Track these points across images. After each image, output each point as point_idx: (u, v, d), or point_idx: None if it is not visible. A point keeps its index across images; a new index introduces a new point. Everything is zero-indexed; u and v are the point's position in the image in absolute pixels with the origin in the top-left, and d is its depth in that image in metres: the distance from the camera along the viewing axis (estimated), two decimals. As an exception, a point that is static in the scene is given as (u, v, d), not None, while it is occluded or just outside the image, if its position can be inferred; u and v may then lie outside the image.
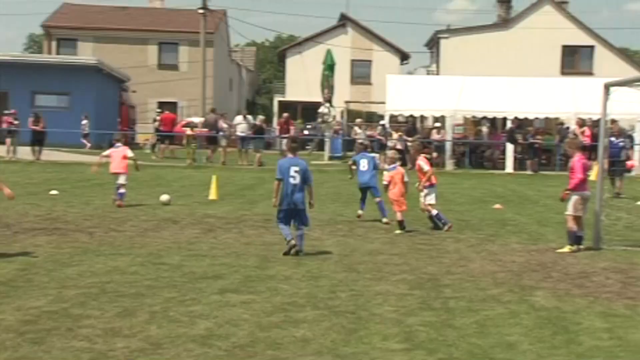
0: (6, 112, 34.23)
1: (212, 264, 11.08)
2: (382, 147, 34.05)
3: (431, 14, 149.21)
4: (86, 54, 52.68)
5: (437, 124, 35.26)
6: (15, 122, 32.80)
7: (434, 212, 15.58)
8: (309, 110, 54.74)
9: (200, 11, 49.99)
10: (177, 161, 33.43)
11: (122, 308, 8.38)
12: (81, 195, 19.43)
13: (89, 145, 35.13)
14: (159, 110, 42.99)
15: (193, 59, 54.47)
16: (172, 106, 51.59)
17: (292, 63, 64.04)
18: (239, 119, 34.78)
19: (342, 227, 15.39)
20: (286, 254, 11.88)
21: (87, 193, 20.12)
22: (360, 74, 62.91)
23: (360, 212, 16.63)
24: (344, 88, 54.43)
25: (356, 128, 36.88)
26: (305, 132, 47.99)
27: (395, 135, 34.74)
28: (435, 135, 34.25)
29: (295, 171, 11.90)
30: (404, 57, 65.02)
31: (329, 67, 37.50)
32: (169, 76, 56.12)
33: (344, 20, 64.57)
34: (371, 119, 49.17)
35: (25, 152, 31.64)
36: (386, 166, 15.76)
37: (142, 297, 8.93)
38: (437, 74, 54.54)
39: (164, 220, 15.55)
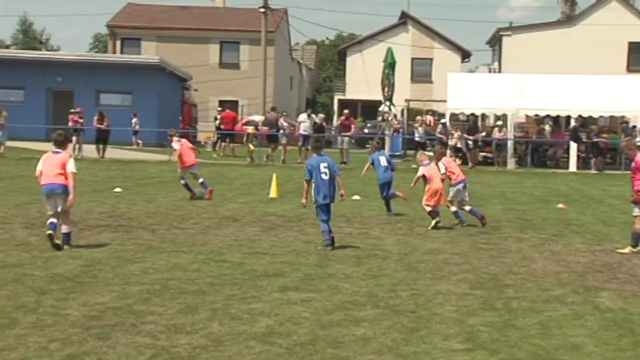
0: (72, 110, 34.87)
1: (273, 262, 11.13)
2: (442, 146, 33.84)
3: (493, 12, 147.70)
4: (149, 53, 53.40)
5: (499, 123, 34.89)
6: (81, 120, 33.40)
7: (453, 208, 15.71)
8: (369, 109, 54.66)
9: (262, 10, 50.31)
10: (237, 159, 33.68)
11: (184, 305, 8.47)
12: (144, 193, 19.70)
13: (140, 143, 35.67)
14: (220, 108, 43.36)
15: (254, 58, 54.85)
16: (233, 105, 52.02)
17: (353, 61, 63.99)
18: (303, 117, 34.87)
19: (402, 226, 15.33)
20: (329, 246, 12.25)
21: (149, 191, 20.39)
22: (421, 72, 62.59)
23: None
24: (404, 86, 54.17)
25: (419, 128, 36.68)
26: (365, 130, 47.91)
27: (455, 134, 34.47)
28: (496, 134, 33.89)
29: (325, 167, 12.32)
30: (465, 55, 64.50)
31: (390, 65, 37.36)
32: (230, 75, 56.56)
33: (405, 19, 64.29)
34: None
35: (90, 150, 32.20)
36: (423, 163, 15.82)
37: (204, 294, 9.01)
38: (499, 71, 53.96)
39: (225, 218, 15.68)
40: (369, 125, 50.15)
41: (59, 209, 11.56)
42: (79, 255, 11.10)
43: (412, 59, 61.66)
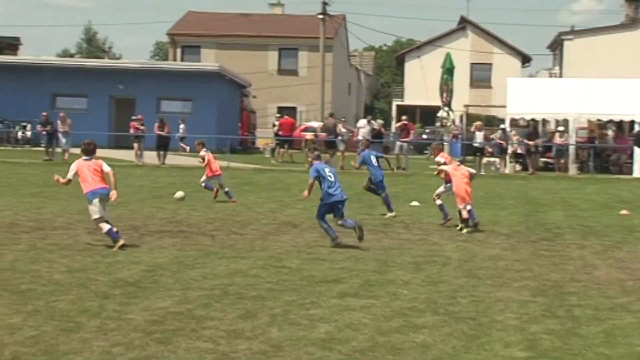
0: (133, 117, 35.38)
1: (332, 268, 11.13)
2: (502, 152, 33.49)
3: (554, 15, 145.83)
4: (209, 60, 53.96)
5: (560, 128, 34.39)
6: (142, 127, 33.86)
7: (439, 202, 16.16)
8: (427, 114, 54.42)
9: (320, 17, 50.44)
10: (295, 165, 33.79)
11: (244, 310, 8.52)
12: (203, 199, 19.87)
13: (187, 149, 35.86)
14: (278, 115, 43.59)
15: (312, 64, 55.05)
16: (291, 111, 52.23)
17: (411, 67, 63.80)
18: (362, 122, 34.84)
19: (461, 232, 15.20)
20: (337, 238, 12.94)
21: (209, 197, 20.57)
22: (480, 77, 62.12)
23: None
24: (463, 92, 53.80)
25: (477, 132, 36.37)
26: (424, 136, 47.68)
27: (515, 139, 34.10)
28: (557, 139, 33.42)
29: (329, 171, 13.16)
30: (525, 59, 63.82)
31: (448, 70, 37.14)
32: (289, 81, 56.84)
33: (464, 24, 63.89)
34: (491, 122, 48.43)
35: (150, 157, 32.63)
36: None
37: (263, 299, 9.06)
38: (560, 76, 53.23)
39: (283, 224, 15.74)
40: (427, 130, 49.91)
41: (105, 212, 12.30)
42: (140, 261, 11.25)
43: (472, 64, 61.25)
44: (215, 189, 19.85)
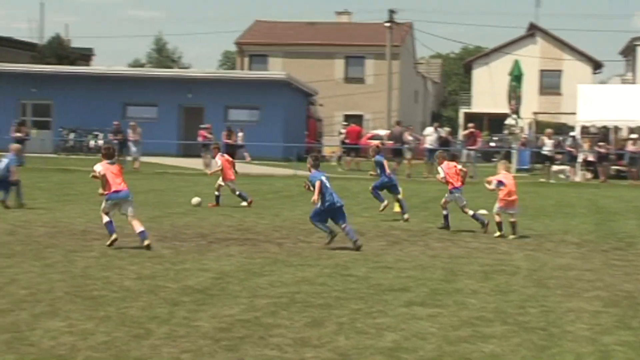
0: (202, 126, 35.83)
1: (398, 276, 11.08)
2: (572, 159, 32.96)
3: (628, 21, 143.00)
4: (276, 69, 54.38)
5: (633, 135, 33.70)
6: (210, 136, 34.26)
7: (445, 212, 16.37)
8: (495, 122, 53.88)
9: (387, 24, 50.40)
10: (362, 173, 33.76)
11: (311, 318, 8.53)
12: (271, 207, 20.00)
13: (247, 156, 36.20)
14: (345, 123, 43.66)
15: (379, 72, 55.04)
16: (357, 119, 52.31)
17: (479, 74, 63.31)
18: (429, 130, 34.68)
19: (530, 241, 15.00)
20: (331, 232, 13.54)
21: (276, 205, 20.70)
22: (550, 84, 61.31)
23: (385, 203, 18.12)
24: (532, 99, 53.20)
25: (544, 138, 35.86)
26: (492, 144, 47.21)
27: (585, 146, 33.52)
28: (630, 147, 32.74)
29: (326, 178, 13.70)
30: (596, 66, 62.76)
31: (516, 77, 36.74)
32: (355, 89, 56.92)
33: (533, 30, 63.17)
34: (560, 130, 47.71)
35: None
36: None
37: (330, 307, 9.05)
38: (634, 82, 52.16)
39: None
40: (495, 138, 49.40)
41: (131, 212, 13.08)
42: (208, 268, 11.36)
43: (541, 70, 60.50)
44: (250, 200, 19.98)
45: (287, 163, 38.05)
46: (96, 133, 43.58)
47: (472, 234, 15.67)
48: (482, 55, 66.79)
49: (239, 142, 39.23)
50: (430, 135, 33.94)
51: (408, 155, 33.88)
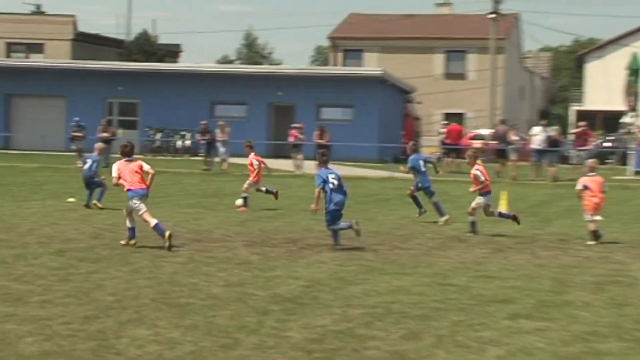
0: (293, 125, 36.06)
1: (502, 287, 10.94)
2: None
3: None
4: (371, 64, 54.38)
5: None
6: (301, 136, 34.47)
7: (472, 218, 16.36)
8: (610, 120, 52.65)
9: (491, 16, 49.81)
10: (463, 176, 33.42)
11: (407, 330, 8.50)
12: (365, 210, 20.01)
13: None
14: (445, 122, 43.36)
15: (482, 67, 54.44)
16: (458, 117, 51.88)
17: (592, 68, 61.99)
18: (537, 129, 34.11)
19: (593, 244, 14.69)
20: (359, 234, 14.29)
21: (370, 209, 20.70)
22: (672, 78, 59.46)
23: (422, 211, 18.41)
24: (652, 94, 51.63)
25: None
26: (606, 144, 46.13)
27: None
28: None
29: (333, 178, 14.09)
30: None
31: (635, 72, 35.79)
32: (456, 86, 56.44)
33: (652, 19, 61.40)
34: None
35: (311, 167, 33.12)
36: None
37: (428, 319, 9.00)
38: None
39: (450, 239, 15.62)
40: (609, 138, 48.26)
41: (144, 209, 13.60)
42: (299, 276, 11.44)
43: (661, 63, 58.71)
44: (276, 191, 20.56)
45: (382, 165, 37.99)
46: (183, 133, 44.40)
47: (583, 242, 15.34)
48: (595, 47, 65.36)
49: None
50: (537, 135, 33.34)
51: (513, 156, 33.37)
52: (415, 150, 19.04)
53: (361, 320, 8.90)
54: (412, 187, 18.66)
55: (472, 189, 16.61)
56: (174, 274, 11.38)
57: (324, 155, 14.95)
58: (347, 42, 59.69)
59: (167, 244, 13.32)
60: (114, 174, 13.65)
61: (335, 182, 14.09)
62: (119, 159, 14.05)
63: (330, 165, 14.68)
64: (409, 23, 60.38)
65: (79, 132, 35.03)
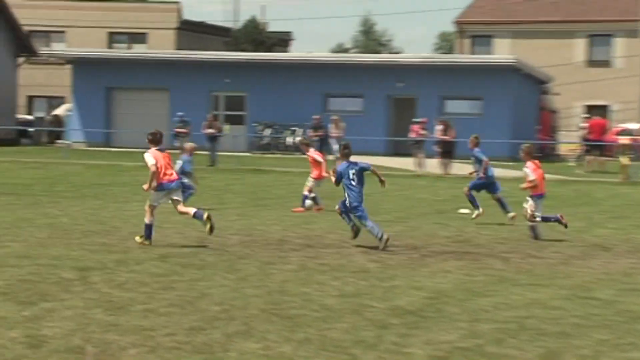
0: (415, 120, 35.92)
1: (654, 302, 10.67)
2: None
3: None
4: (502, 52, 53.70)
5: None
6: (423, 132, 34.31)
7: (531, 222, 16.03)
8: None
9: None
10: (607, 176, 32.72)
11: (545, 349, 8.38)
12: (494, 215, 19.79)
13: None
14: (586, 115, 42.47)
15: (631, 53, 53.16)
16: (601, 110, 50.71)
17: None
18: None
19: None
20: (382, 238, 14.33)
21: (501, 213, 20.44)
22: None
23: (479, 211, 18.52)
24: None
25: None
26: None
27: None
28: None
29: (353, 174, 14.62)
30: None
31: None
32: (599, 74, 55.17)
33: None
34: None
35: (434, 165, 32.98)
36: None
37: (568, 337, 8.86)
38: None
39: (592, 246, 15.32)
40: None
41: (177, 197, 14.32)
42: (421, 286, 11.41)
43: None
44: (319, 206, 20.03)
45: (514, 163, 37.48)
46: (294, 129, 44.73)
47: None
48: None
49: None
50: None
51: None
52: (477, 144, 19.13)
53: (491, 336, 8.81)
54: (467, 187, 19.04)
55: (522, 186, 16.39)
56: (284, 282, 11.51)
57: (345, 148, 15.38)
58: (475, 27, 59.10)
59: (207, 227, 13.97)
60: (152, 161, 14.00)
61: (356, 179, 14.64)
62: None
63: (358, 159, 15.15)
64: (546, 4, 59.29)
65: (183, 128, 35.63)
